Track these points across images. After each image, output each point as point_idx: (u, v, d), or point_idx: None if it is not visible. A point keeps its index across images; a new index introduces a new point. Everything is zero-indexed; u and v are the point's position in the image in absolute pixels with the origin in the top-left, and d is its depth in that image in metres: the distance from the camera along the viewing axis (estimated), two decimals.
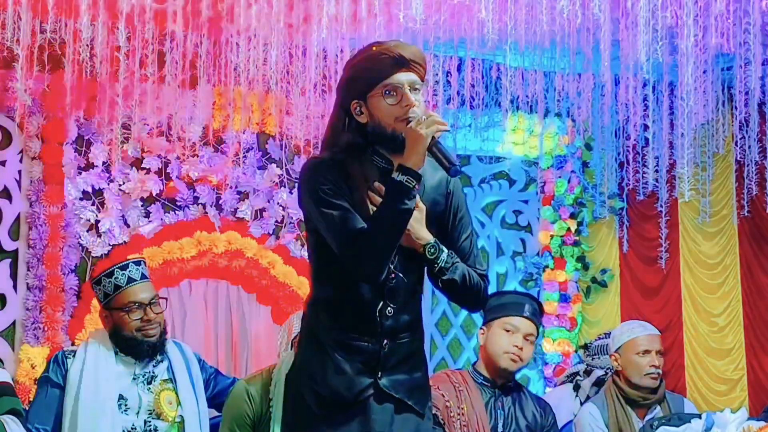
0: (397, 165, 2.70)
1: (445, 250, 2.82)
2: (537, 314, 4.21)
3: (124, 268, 3.95)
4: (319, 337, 2.81)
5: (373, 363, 2.78)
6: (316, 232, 2.81)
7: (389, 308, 2.78)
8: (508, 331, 4.11)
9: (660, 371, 4.51)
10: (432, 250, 2.79)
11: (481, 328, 4.28)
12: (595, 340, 5.38)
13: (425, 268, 2.88)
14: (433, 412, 3.39)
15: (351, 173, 2.78)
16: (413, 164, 2.68)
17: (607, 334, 5.09)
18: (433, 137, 2.69)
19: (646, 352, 4.51)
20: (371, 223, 2.69)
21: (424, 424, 2.87)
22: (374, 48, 2.82)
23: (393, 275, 2.78)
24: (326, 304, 2.83)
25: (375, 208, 2.73)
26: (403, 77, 2.76)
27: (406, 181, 2.66)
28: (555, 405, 4.50)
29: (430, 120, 2.70)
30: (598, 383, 4.90)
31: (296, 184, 3.41)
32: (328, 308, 2.82)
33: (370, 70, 2.78)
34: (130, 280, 3.91)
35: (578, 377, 5.09)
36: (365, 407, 2.78)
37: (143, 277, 3.95)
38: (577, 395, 4.92)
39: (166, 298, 4.04)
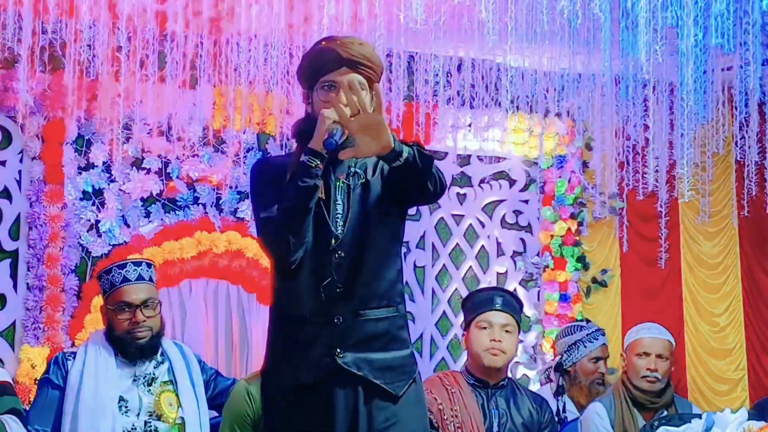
0: (305, 147, 2.77)
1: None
2: (510, 304, 4.20)
3: (121, 267, 3.94)
4: (280, 327, 2.87)
5: (328, 341, 2.81)
6: None
7: (337, 285, 2.81)
8: (483, 328, 4.12)
9: (658, 375, 4.49)
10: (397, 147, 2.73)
11: (463, 334, 4.29)
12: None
13: (390, 236, 2.90)
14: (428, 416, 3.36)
15: (292, 162, 2.84)
16: (315, 145, 2.74)
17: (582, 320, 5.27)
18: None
19: (645, 354, 4.50)
20: (278, 204, 2.77)
21: (403, 408, 2.85)
22: (323, 43, 2.90)
23: (339, 252, 2.82)
24: (279, 293, 2.89)
25: None
26: (342, 77, 2.83)
27: (308, 160, 2.73)
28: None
29: (342, 110, 2.73)
30: (557, 368, 4.94)
31: None
32: (282, 297, 2.88)
33: (313, 64, 2.88)
34: (125, 280, 3.89)
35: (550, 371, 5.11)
36: (329, 389, 2.80)
37: (139, 278, 3.91)
38: (555, 393, 4.93)
39: (160, 302, 3.99)
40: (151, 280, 3.97)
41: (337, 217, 2.85)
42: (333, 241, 2.83)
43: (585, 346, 5.02)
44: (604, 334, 5.13)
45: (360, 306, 2.84)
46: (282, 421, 2.85)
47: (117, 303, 3.88)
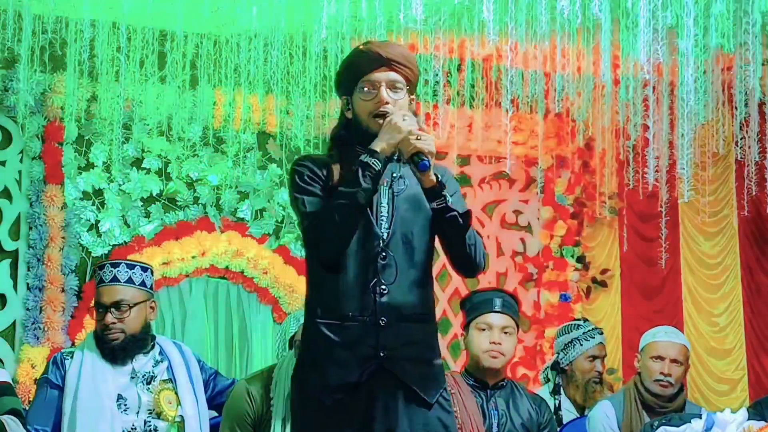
0: (367, 148, 2.80)
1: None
2: (509, 306, 4.19)
3: (101, 267, 3.96)
4: (320, 327, 2.85)
5: (373, 342, 2.81)
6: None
7: (382, 286, 2.83)
8: (482, 329, 4.11)
9: (671, 380, 4.46)
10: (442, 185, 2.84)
11: (462, 334, 4.28)
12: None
13: (428, 246, 2.97)
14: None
15: (335, 163, 2.88)
16: (381, 149, 2.77)
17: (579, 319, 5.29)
18: (419, 150, 2.76)
19: (660, 358, 4.48)
20: (332, 201, 2.79)
21: (436, 416, 2.86)
22: (360, 46, 2.94)
23: (384, 254, 2.84)
24: (321, 292, 2.88)
25: None
26: (381, 75, 2.86)
27: (372, 162, 2.75)
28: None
29: (413, 123, 2.78)
30: (554, 367, 4.95)
31: None
32: (325, 295, 2.87)
33: (351, 67, 2.92)
34: (101, 282, 3.91)
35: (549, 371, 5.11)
36: (370, 390, 2.80)
37: (114, 280, 3.88)
38: (552, 391, 4.93)
39: (131, 306, 3.87)
40: (130, 281, 3.90)
41: (382, 220, 2.87)
42: (380, 242, 2.85)
43: (581, 345, 5.02)
44: (601, 333, 5.13)
45: (403, 309, 2.85)
46: (321, 420, 2.83)
47: (95, 303, 3.92)
